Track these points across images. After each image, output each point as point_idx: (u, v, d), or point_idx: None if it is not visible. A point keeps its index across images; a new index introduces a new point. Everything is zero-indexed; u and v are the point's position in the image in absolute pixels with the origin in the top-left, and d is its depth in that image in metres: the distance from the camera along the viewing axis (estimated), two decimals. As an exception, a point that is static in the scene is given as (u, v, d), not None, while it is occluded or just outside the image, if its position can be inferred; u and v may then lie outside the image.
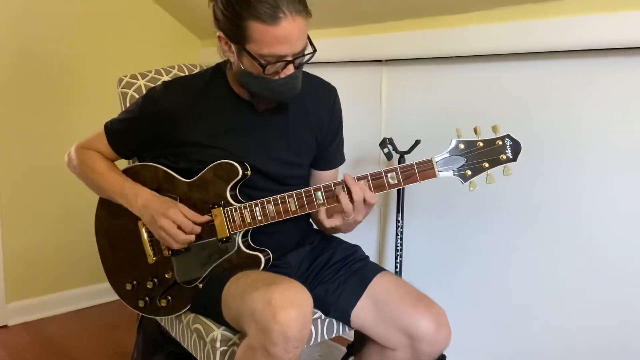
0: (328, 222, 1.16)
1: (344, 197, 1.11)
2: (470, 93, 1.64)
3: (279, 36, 1.04)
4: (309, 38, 1.11)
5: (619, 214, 1.37)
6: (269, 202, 1.18)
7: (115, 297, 1.35)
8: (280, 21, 1.03)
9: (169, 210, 1.17)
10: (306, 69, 1.22)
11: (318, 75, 1.33)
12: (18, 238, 2.20)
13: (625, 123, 1.34)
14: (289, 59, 1.08)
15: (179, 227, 1.18)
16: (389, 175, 1.11)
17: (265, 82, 1.11)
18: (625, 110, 1.34)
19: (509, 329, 1.64)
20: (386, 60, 1.84)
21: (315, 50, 1.12)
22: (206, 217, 1.20)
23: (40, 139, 2.21)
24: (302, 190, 1.15)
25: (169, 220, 1.17)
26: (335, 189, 1.14)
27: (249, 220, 1.19)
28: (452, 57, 1.64)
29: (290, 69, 1.10)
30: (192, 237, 1.20)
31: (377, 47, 1.82)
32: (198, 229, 1.20)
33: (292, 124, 1.26)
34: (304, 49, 1.10)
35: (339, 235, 1.38)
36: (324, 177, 1.35)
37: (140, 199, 1.22)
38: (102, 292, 2.37)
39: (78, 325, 2.23)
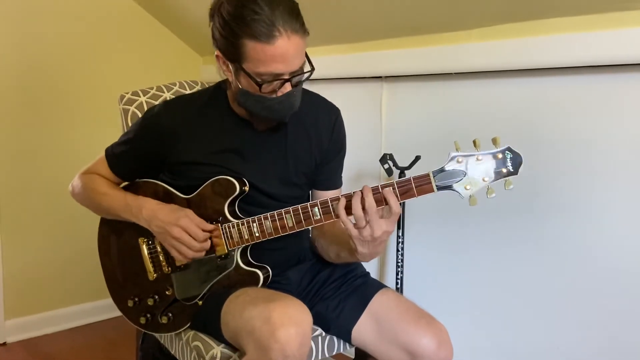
0: (346, 220, 1.08)
1: (352, 204, 1.05)
2: (469, 109, 1.65)
3: (275, 55, 1.04)
4: (307, 57, 1.11)
5: (621, 225, 1.37)
6: (266, 218, 1.17)
7: (114, 314, 1.35)
8: (276, 40, 1.02)
9: (180, 219, 1.16)
10: (307, 86, 1.22)
11: (318, 92, 1.33)
12: (17, 255, 2.19)
13: (624, 138, 1.34)
14: (286, 77, 1.08)
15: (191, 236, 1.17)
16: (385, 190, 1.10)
17: (263, 100, 1.11)
18: (624, 126, 1.34)
19: (513, 346, 1.62)
20: (386, 77, 1.85)
21: (313, 69, 1.12)
22: (213, 226, 1.19)
23: (42, 156, 2.21)
24: (299, 206, 1.15)
25: (182, 229, 1.16)
26: (333, 204, 1.11)
27: (246, 237, 1.18)
28: (451, 73, 1.65)
29: (287, 87, 1.10)
30: (208, 245, 1.19)
31: (376, 63, 1.83)
32: (208, 236, 1.19)
33: (291, 143, 1.26)
34: (302, 67, 1.10)
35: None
36: (326, 197, 1.34)
37: (145, 210, 1.21)
38: (101, 310, 2.35)
39: (77, 342, 2.21)
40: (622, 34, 1.27)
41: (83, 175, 1.33)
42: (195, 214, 1.19)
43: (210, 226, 1.19)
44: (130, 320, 1.33)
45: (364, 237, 1.08)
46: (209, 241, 1.19)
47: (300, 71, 1.10)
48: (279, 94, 1.10)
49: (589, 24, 1.32)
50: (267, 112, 1.13)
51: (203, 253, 1.20)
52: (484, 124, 1.61)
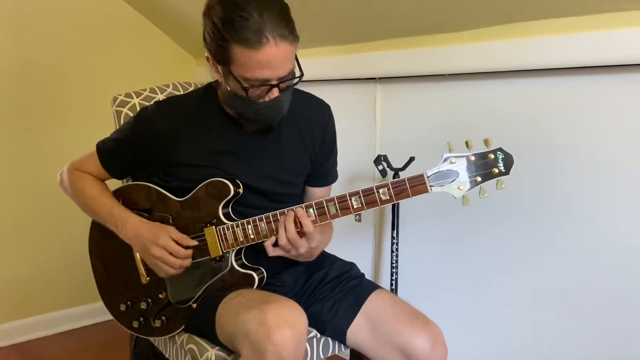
0: (272, 252, 1.16)
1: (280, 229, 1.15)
2: (463, 110, 1.65)
3: (262, 61, 1.03)
4: (298, 62, 1.11)
5: (617, 225, 1.37)
6: (261, 220, 1.17)
7: (107, 317, 1.34)
8: (263, 46, 1.02)
9: (159, 239, 1.17)
10: (300, 86, 1.22)
11: (312, 93, 1.33)
12: (9, 258, 2.18)
13: (619, 138, 1.35)
14: (274, 82, 1.08)
15: (172, 254, 1.17)
16: (380, 191, 1.11)
17: (250, 104, 1.11)
18: (619, 126, 1.35)
19: (507, 346, 1.63)
20: (380, 78, 1.85)
21: (302, 75, 1.12)
22: (196, 242, 1.20)
23: (34, 158, 2.20)
24: (294, 208, 1.15)
25: (161, 249, 1.17)
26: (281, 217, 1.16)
27: (241, 239, 1.18)
28: (445, 74, 1.66)
29: (275, 93, 1.09)
30: (188, 262, 1.20)
31: (371, 65, 1.83)
32: (190, 253, 1.19)
33: (285, 142, 1.26)
34: (291, 72, 1.10)
35: (333, 252, 1.38)
36: (316, 194, 1.34)
37: (129, 227, 1.21)
38: (94, 313, 2.34)
39: (70, 346, 2.20)
40: (615, 35, 1.27)
41: (73, 171, 1.32)
42: (189, 217, 1.19)
43: (192, 242, 1.20)
44: (122, 324, 1.32)
45: (293, 257, 1.18)
46: (190, 259, 1.20)
47: (289, 77, 1.10)
48: (267, 99, 1.10)
49: (582, 25, 1.33)
50: (255, 116, 1.14)
51: (182, 270, 1.20)
52: (477, 125, 1.61)
